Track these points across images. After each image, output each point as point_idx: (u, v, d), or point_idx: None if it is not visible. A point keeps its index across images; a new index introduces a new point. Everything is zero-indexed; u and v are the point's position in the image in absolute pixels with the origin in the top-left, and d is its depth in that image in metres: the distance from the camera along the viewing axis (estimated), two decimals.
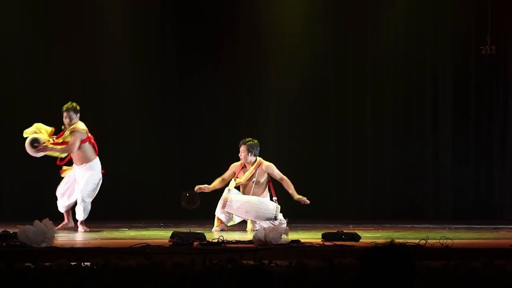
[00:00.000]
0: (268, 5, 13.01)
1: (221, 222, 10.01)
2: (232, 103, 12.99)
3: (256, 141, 10.21)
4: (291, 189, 10.08)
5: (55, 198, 10.18)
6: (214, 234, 8.59)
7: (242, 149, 10.15)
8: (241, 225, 10.18)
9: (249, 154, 10.10)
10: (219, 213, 10.01)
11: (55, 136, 10.05)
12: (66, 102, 12.95)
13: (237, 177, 10.18)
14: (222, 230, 9.75)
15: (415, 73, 12.96)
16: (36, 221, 7.03)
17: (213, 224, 10.06)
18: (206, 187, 10.04)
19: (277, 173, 10.16)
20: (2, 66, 12.59)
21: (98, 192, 12.62)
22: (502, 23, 12.53)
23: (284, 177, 10.15)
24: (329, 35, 12.96)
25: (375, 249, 3.17)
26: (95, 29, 12.76)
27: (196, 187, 9.97)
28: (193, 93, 12.84)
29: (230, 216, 10.03)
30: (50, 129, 10.06)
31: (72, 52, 12.60)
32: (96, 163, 10.05)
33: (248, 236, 8.73)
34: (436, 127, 12.87)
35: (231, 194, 9.92)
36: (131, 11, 12.90)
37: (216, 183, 10.15)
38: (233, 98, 13.00)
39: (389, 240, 3.28)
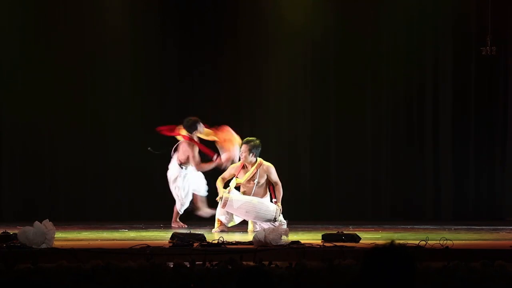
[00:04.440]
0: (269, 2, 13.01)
1: (222, 223, 9.99)
2: (233, 100, 12.95)
3: (258, 141, 10.07)
4: (278, 195, 10.02)
5: None
6: (214, 235, 8.57)
7: (244, 149, 10.03)
8: (242, 226, 10.17)
9: (250, 154, 10.00)
10: (219, 214, 10.00)
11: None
12: (65, 100, 12.95)
13: (237, 177, 10.14)
14: (222, 231, 9.73)
15: (415, 74, 12.94)
16: (36, 222, 7.03)
17: (213, 225, 10.05)
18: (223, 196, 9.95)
19: (274, 176, 10.08)
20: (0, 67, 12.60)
21: (97, 193, 12.66)
22: (502, 23, 12.52)
23: (279, 182, 10.06)
24: (330, 34, 12.95)
25: (375, 250, 3.17)
26: (95, 25, 12.71)
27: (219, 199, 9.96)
28: (193, 89, 12.80)
29: (230, 217, 10.01)
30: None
31: (71, 49, 12.59)
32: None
33: (248, 237, 8.72)
34: (436, 127, 12.86)
35: (231, 194, 9.87)
36: (131, 6, 12.87)
37: (219, 185, 10.10)
38: (233, 95, 12.95)
39: (389, 241, 3.28)
